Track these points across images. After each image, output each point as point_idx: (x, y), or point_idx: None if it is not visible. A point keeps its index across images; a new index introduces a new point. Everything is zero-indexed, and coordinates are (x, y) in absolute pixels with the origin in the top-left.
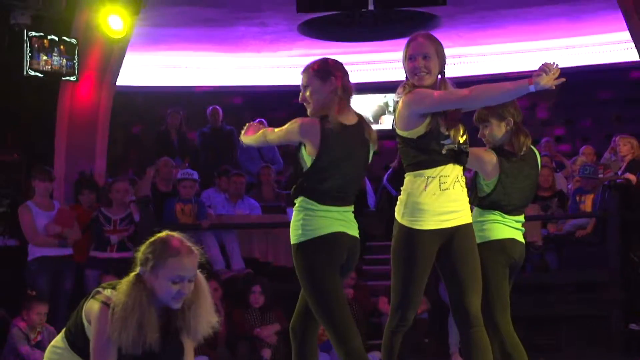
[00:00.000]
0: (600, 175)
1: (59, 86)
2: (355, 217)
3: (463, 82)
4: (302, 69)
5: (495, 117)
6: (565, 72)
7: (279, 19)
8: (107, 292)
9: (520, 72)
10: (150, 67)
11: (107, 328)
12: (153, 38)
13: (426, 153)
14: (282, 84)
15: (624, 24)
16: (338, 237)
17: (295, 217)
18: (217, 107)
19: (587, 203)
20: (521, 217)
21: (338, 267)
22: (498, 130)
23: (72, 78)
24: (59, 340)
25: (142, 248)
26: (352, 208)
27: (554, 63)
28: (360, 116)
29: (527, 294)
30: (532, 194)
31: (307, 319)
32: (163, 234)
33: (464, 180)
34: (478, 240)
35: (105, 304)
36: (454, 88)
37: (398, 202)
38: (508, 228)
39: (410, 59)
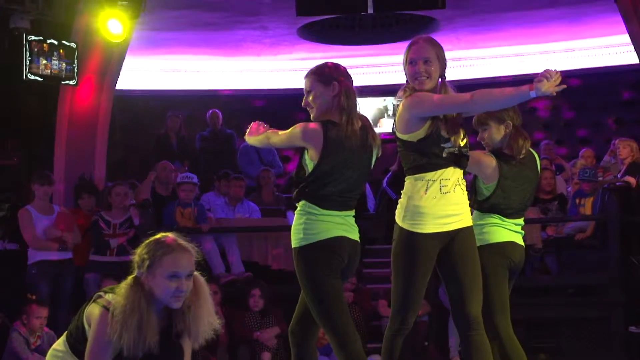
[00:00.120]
0: (600, 178)
1: (59, 90)
2: (355, 221)
3: (462, 85)
4: (303, 72)
5: (494, 120)
6: (565, 75)
7: (278, 23)
8: (109, 296)
9: (520, 75)
10: (149, 71)
11: (106, 332)
12: (153, 42)
13: (427, 156)
14: (282, 88)
15: (624, 27)
16: (339, 242)
17: (297, 221)
18: (217, 110)
19: (587, 206)
20: (521, 220)
21: (339, 271)
22: (497, 133)
23: (72, 82)
24: (60, 343)
25: (138, 251)
26: (353, 212)
27: (555, 69)
28: (364, 120)
29: (527, 297)
30: (532, 197)
31: (307, 322)
32: (157, 235)
33: (465, 183)
34: (478, 244)
35: (106, 308)
36: (454, 92)
37: (398, 206)
38: (508, 231)
39: (410, 63)
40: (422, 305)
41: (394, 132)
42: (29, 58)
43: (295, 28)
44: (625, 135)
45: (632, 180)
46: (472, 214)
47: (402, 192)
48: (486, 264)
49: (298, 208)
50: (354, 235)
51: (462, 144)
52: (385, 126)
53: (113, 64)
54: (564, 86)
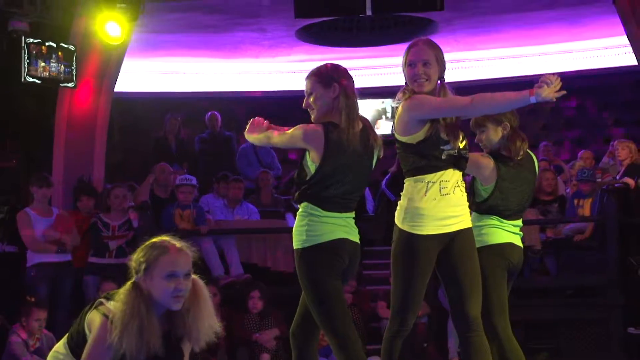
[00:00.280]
0: (599, 180)
1: (57, 93)
2: (355, 223)
3: (461, 87)
4: (302, 74)
5: (492, 121)
6: (564, 77)
7: (277, 25)
8: (110, 304)
9: (518, 76)
10: (148, 73)
11: (105, 341)
12: (151, 44)
13: (426, 158)
14: (281, 89)
15: (622, 28)
16: (341, 244)
17: (299, 223)
18: (216, 112)
19: (586, 207)
20: (519, 222)
21: (340, 273)
22: (495, 134)
23: (70, 84)
24: (60, 346)
25: (134, 256)
26: (353, 214)
27: (555, 75)
28: (365, 121)
29: (526, 298)
30: (530, 199)
31: (308, 324)
32: (152, 239)
33: (464, 185)
34: (476, 245)
35: (106, 316)
36: (453, 94)
37: (398, 207)
38: (506, 232)
39: (410, 65)
40: (421, 307)
41: (393, 134)
42: (28, 60)
43: (293, 30)
44: (623, 137)
45: (630, 181)
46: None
47: (401, 193)
48: (485, 266)
49: (300, 209)
50: (355, 236)
51: (461, 146)
52: (382, 128)
53: (112, 66)
54: (564, 92)
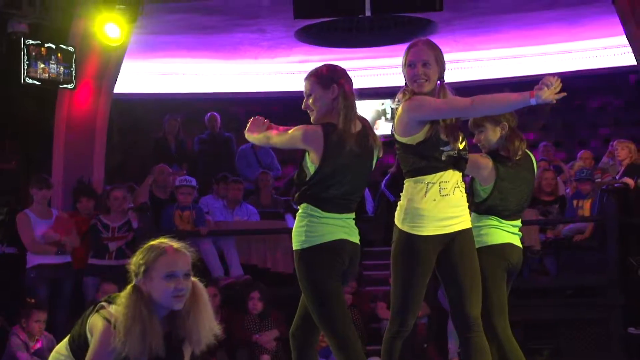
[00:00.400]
0: (598, 180)
1: (57, 94)
2: (355, 223)
3: (461, 88)
4: (301, 75)
5: (490, 121)
6: (563, 77)
7: (276, 26)
8: (112, 308)
9: (518, 77)
10: (147, 75)
11: (106, 346)
12: (150, 45)
13: (426, 159)
14: (280, 90)
15: (622, 28)
16: (341, 245)
17: (299, 223)
18: (215, 113)
19: (585, 208)
20: (518, 222)
21: (340, 274)
22: (493, 134)
23: (70, 86)
24: (62, 347)
25: (133, 260)
26: (353, 215)
27: (555, 77)
28: (364, 122)
29: (526, 298)
30: (529, 199)
31: (308, 325)
32: (150, 241)
33: (464, 185)
34: (475, 245)
35: (108, 321)
36: (452, 94)
37: (398, 208)
38: (505, 233)
39: (409, 65)
40: (421, 307)
41: (392, 135)
42: (27, 62)
43: (292, 31)
44: (623, 137)
45: (630, 181)
46: None
47: (401, 194)
48: (484, 266)
49: (300, 210)
50: (355, 237)
51: (460, 147)
52: (382, 128)
53: (111, 67)
54: (564, 94)
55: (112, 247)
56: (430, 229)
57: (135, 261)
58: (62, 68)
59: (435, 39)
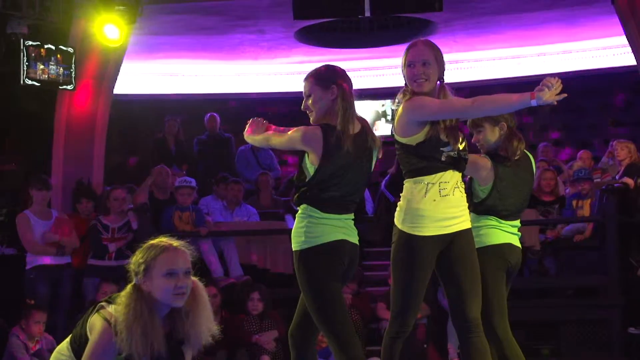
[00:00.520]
0: (598, 180)
1: (56, 95)
2: (354, 224)
3: (460, 88)
4: (300, 76)
5: (489, 121)
6: (563, 77)
7: (275, 26)
8: (111, 308)
9: (518, 77)
10: (147, 75)
11: (103, 346)
12: (150, 46)
13: (426, 160)
14: (280, 91)
15: (621, 28)
16: (340, 245)
17: (298, 224)
18: (215, 114)
19: (585, 208)
20: (517, 222)
21: (339, 275)
22: (492, 135)
23: (69, 87)
24: (64, 347)
25: (133, 259)
26: (352, 215)
27: (556, 78)
28: (364, 122)
29: (526, 299)
30: (528, 199)
31: (307, 325)
32: (149, 241)
33: (464, 186)
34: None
35: (108, 321)
36: (452, 95)
37: (397, 209)
38: (504, 233)
39: (409, 65)
40: (421, 308)
41: (392, 135)
42: (27, 63)
43: (292, 31)
44: (623, 137)
45: (630, 181)
46: None
47: (401, 194)
48: (483, 266)
49: (299, 211)
50: (354, 238)
51: (460, 147)
52: (381, 129)
53: (110, 68)
54: (565, 95)
55: (111, 248)
56: (430, 230)
57: (135, 260)
58: (61, 69)
59: (435, 40)
